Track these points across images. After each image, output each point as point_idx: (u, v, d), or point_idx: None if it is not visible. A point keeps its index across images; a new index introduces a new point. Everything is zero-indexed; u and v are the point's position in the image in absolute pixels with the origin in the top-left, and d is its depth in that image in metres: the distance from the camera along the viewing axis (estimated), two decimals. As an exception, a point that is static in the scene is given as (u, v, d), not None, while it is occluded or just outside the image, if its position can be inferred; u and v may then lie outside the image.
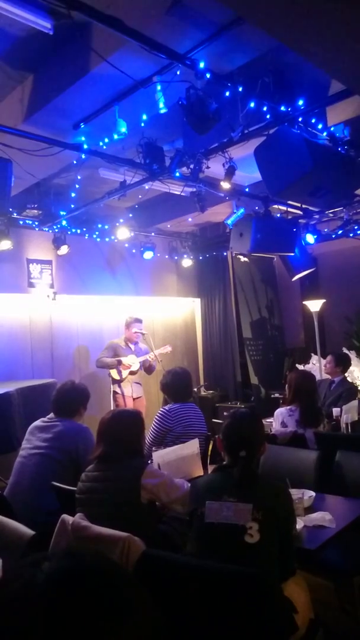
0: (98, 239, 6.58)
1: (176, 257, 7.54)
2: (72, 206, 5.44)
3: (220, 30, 2.82)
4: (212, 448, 3.68)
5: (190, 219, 6.75)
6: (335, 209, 5.94)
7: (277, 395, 6.90)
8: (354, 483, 2.95)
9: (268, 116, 3.57)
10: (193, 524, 2.03)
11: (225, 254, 7.63)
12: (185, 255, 7.48)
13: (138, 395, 5.98)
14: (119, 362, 5.78)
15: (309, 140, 3.48)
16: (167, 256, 7.47)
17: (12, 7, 2.68)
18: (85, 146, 3.84)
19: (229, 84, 3.22)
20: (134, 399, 5.88)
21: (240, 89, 3.25)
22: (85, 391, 3.40)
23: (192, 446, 3.09)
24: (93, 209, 5.63)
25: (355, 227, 6.51)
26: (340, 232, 6.50)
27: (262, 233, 5.05)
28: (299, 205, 5.56)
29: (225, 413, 4.78)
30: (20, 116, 3.65)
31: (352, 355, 6.07)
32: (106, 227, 6.42)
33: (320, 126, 3.78)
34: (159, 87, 3.16)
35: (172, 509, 2.50)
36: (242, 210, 5.39)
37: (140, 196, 5.77)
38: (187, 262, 7.49)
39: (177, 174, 4.27)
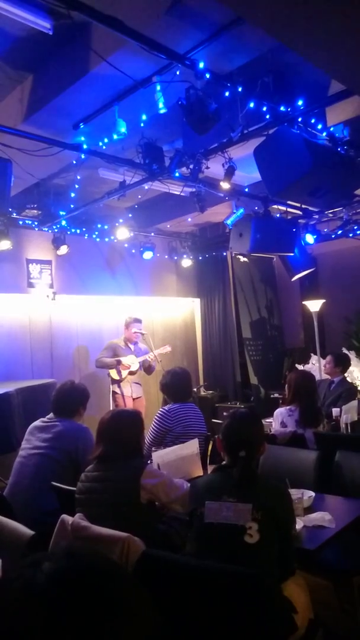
0: (98, 239, 6.58)
1: (176, 257, 7.55)
2: (72, 206, 5.44)
3: (220, 30, 2.82)
4: (211, 448, 3.68)
5: (189, 219, 6.75)
6: (335, 209, 5.95)
7: (276, 395, 6.91)
8: (353, 483, 2.95)
9: (268, 116, 3.57)
10: (193, 524, 2.03)
11: (224, 254, 7.63)
12: (184, 256, 7.48)
13: (138, 395, 5.98)
14: (118, 362, 5.78)
15: (308, 140, 3.49)
16: (166, 256, 7.47)
17: (11, 7, 2.68)
18: (84, 146, 3.84)
19: (229, 84, 3.22)
20: (133, 399, 5.88)
21: (239, 89, 3.25)
22: (84, 391, 3.40)
23: (191, 446, 3.09)
24: (93, 209, 5.63)
25: (355, 227, 6.51)
26: (339, 232, 6.50)
27: (262, 233, 5.05)
28: (298, 205, 5.56)
29: (224, 413, 4.79)
30: (19, 116, 3.65)
31: (351, 355, 6.08)
32: (106, 227, 6.42)
33: (319, 126, 3.78)
34: (158, 87, 3.16)
35: (171, 509, 2.50)
36: (241, 210, 5.39)
37: (139, 196, 5.77)
38: (186, 262, 7.49)
39: (177, 174, 4.27)
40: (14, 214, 5.48)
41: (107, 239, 6.64)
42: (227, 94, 3.28)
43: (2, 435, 4.31)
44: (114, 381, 5.88)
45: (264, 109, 3.48)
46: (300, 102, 3.46)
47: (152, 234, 6.99)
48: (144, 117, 3.64)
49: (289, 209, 5.92)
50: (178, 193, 5.26)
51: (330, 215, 6.21)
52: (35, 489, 2.95)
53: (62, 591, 0.63)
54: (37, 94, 3.54)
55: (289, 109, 3.49)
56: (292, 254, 5.76)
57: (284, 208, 5.86)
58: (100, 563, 0.71)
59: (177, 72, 3.08)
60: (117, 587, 0.67)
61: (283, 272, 7.23)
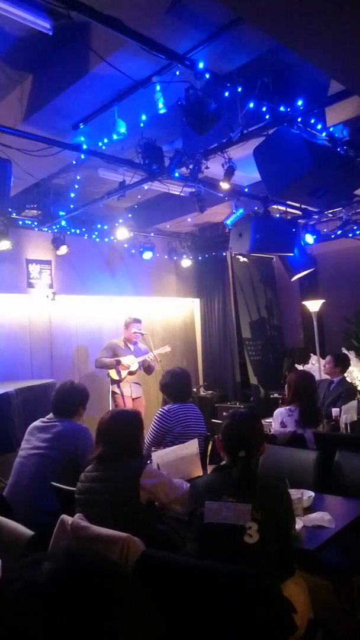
0: (97, 239, 6.58)
1: (175, 258, 7.55)
2: (72, 206, 5.44)
3: (219, 31, 2.83)
4: (211, 448, 3.68)
5: (189, 219, 6.75)
6: (335, 209, 5.95)
7: (276, 395, 6.91)
8: (353, 483, 2.95)
9: (267, 116, 3.57)
10: (192, 524, 2.03)
11: (224, 254, 7.63)
12: (184, 256, 7.48)
13: (137, 395, 5.98)
14: (118, 362, 5.78)
15: (308, 140, 3.49)
16: (166, 256, 7.48)
17: (11, 7, 2.68)
18: (84, 146, 3.84)
19: (229, 84, 3.22)
20: (133, 399, 5.88)
21: (239, 89, 3.25)
22: (84, 391, 3.40)
23: (191, 446, 3.09)
24: (92, 209, 5.63)
25: (355, 228, 6.51)
26: (339, 232, 6.50)
27: (262, 233, 5.05)
28: (298, 205, 5.56)
29: (224, 413, 4.79)
30: (19, 116, 3.65)
31: (351, 355, 6.08)
32: (105, 227, 6.42)
33: (319, 126, 3.79)
34: (158, 88, 3.16)
35: (171, 509, 2.50)
36: (241, 210, 5.39)
37: (139, 196, 5.77)
38: (186, 262, 7.49)
39: (177, 174, 4.27)
40: (14, 214, 5.48)
41: (106, 239, 6.64)
42: (226, 94, 3.28)
43: (2, 436, 4.31)
44: (113, 381, 5.88)
45: (264, 109, 3.48)
46: (300, 102, 3.46)
47: (152, 234, 6.99)
48: (143, 117, 3.64)
49: (289, 209, 5.92)
50: (178, 193, 5.26)
51: (330, 215, 6.22)
52: (35, 489, 2.95)
53: (62, 591, 0.63)
54: (36, 94, 3.54)
55: (288, 109, 3.49)
56: (291, 254, 5.76)
57: (283, 208, 5.86)
58: (101, 563, 0.71)
59: (177, 72, 3.08)
60: (117, 587, 0.67)
61: (283, 272, 7.23)
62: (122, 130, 3.46)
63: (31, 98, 3.57)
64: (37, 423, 3.28)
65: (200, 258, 7.80)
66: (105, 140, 3.91)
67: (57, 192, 5.54)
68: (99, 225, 6.40)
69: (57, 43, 3.15)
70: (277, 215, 5.96)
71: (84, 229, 6.35)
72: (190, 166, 4.18)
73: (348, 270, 7.46)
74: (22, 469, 3.10)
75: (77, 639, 0.60)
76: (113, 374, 5.84)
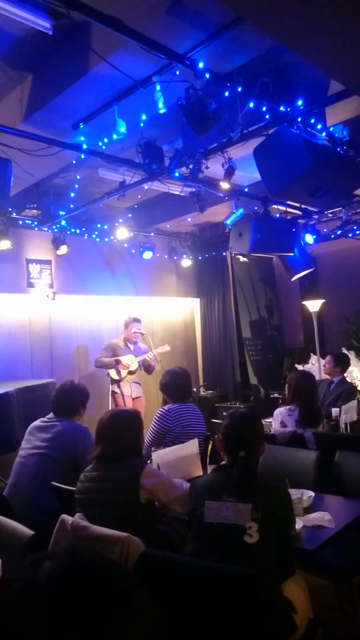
0: (97, 239, 6.58)
1: (175, 257, 7.55)
2: (72, 206, 5.44)
3: (219, 30, 2.83)
4: (211, 448, 3.68)
5: (189, 219, 6.75)
6: (335, 209, 5.95)
7: (276, 395, 6.91)
8: (353, 483, 2.95)
9: (267, 116, 3.57)
10: (192, 524, 2.03)
11: (224, 254, 7.63)
12: (184, 255, 7.48)
13: (137, 395, 5.98)
14: (117, 362, 5.78)
15: (308, 140, 3.49)
16: (166, 256, 7.47)
17: (11, 7, 2.68)
18: (84, 146, 3.84)
19: (229, 84, 3.22)
20: (133, 399, 5.88)
21: (239, 89, 3.25)
22: (84, 391, 3.40)
23: (191, 446, 3.09)
24: (92, 209, 5.63)
25: (355, 228, 6.51)
26: (339, 232, 6.50)
27: (262, 233, 5.05)
28: (298, 205, 5.56)
29: (224, 413, 4.78)
30: (19, 116, 3.65)
31: (351, 355, 6.08)
32: (105, 227, 6.42)
33: (319, 126, 3.78)
34: (158, 87, 3.16)
35: (171, 509, 2.50)
36: (241, 210, 5.39)
37: (139, 196, 5.77)
38: (186, 262, 7.49)
39: (177, 174, 4.27)
40: (14, 214, 5.48)
41: (106, 239, 6.64)
42: (226, 94, 3.28)
43: (2, 435, 4.31)
44: (113, 381, 5.88)
45: (264, 109, 3.48)
46: (299, 102, 3.46)
47: (152, 234, 6.99)
48: (143, 117, 3.64)
49: (289, 209, 5.92)
50: (178, 193, 5.26)
51: (330, 215, 6.22)
52: (35, 489, 2.95)
53: (63, 590, 0.63)
54: (36, 94, 3.54)
55: (288, 109, 3.49)
56: (291, 254, 5.76)
57: (283, 208, 5.86)
58: (101, 563, 0.71)
59: (177, 72, 3.08)
60: (117, 586, 0.67)
61: (283, 272, 7.23)
62: (122, 130, 3.46)
63: (31, 98, 3.57)
64: (37, 423, 3.28)
65: (200, 258, 7.79)
66: (105, 140, 3.90)
67: (57, 192, 5.54)
68: (99, 225, 6.40)
69: (57, 43, 3.15)
70: (277, 215, 5.96)
71: (84, 229, 6.35)
72: (190, 166, 4.18)
73: (348, 270, 7.46)
74: (22, 469, 3.10)
75: (78, 639, 0.60)
76: (113, 373, 5.84)
